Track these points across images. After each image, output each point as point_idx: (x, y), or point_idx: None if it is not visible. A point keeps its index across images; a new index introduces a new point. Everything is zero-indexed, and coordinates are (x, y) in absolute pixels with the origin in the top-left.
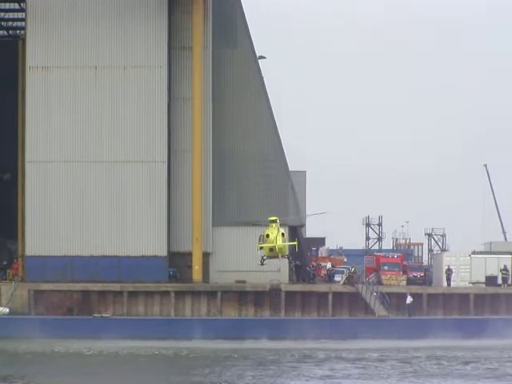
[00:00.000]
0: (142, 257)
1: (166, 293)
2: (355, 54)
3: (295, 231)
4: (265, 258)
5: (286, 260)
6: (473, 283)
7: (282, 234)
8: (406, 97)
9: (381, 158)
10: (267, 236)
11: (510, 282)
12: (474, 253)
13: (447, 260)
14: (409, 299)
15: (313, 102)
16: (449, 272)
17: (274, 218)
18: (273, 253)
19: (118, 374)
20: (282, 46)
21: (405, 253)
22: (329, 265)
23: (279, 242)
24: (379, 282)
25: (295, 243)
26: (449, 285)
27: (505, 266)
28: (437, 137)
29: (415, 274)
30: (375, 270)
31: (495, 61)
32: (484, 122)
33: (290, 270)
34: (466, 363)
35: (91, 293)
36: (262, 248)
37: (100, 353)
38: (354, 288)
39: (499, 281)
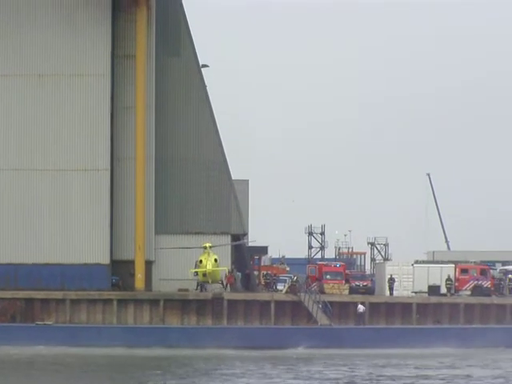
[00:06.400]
0: (85, 265)
1: (109, 301)
2: (301, 63)
3: (238, 240)
4: (199, 282)
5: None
6: (415, 292)
7: (215, 260)
8: (352, 110)
9: (326, 166)
10: (200, 262)
11: (452, 291)
12: (416, 262)
13: (390, 269)
14: (361, 308)
15: (255, 108)
16: (391, 281)
17: (207, 244)
18: (206, 278)
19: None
20: (225, 53)
21: (347, 262)
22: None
23: (209, 267)
24: (322, 291)
25: (226, 268)
26: (391, 294)
27: (448, 275)
28: (379, 145)
29: (358, 283)
30: (318, 279)
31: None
32: (428, 130)
33: (233, 278)
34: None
35: (34, 300)
36: (196, 273)
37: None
38: (297, 297)
39: (443, 290)
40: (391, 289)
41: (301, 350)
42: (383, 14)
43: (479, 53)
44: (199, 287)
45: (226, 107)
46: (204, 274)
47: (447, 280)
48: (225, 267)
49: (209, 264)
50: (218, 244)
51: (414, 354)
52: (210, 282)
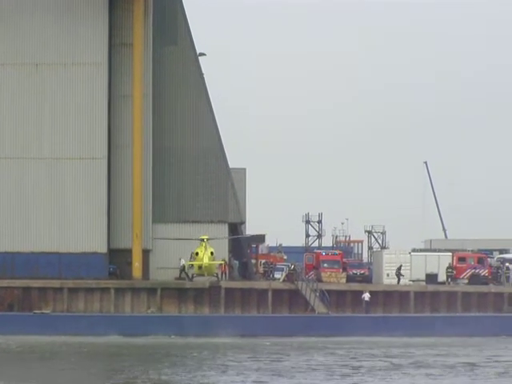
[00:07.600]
0: (83, 253)
1: (106, 289)
2: (295, 50)
3: (235, 228)
4: (194, 275)
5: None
6: (413, 281)
7: (211, 253)
8: (350, 98)
9: (323, 154)
10: (196, 254)
11: (450, 280)
12: (413, 250)
13: (387, 257)
14: (367, 296)
15: (253, 97)
16: (399, 270)
17: (204, 237)
18: (201, 271)
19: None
20: (221, 41)
21: (345, 250)
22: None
23: (205, 260)
24: (319, 280)
25: (222, 262)
26: (398, 282)
27: (449, 263)
28: (376, 133)
29: (355, 272)
30: (315, 268)
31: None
32: (425, 119)
33: (230, 267)
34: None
35: (32, 289)
36: (192, 265)
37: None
38: (294, 285)
39: (440, 278)
40: (399, 277)
41: (298, 339)
42: (383, 12)
43: (479, 47)
44: (191, 277)
45: (223, 96)
46: (199, 267)
47: (448, 268)
48: (221, 261)
49: (205, 258)
50: (215, 235)
51: (414, 343)
52: (205, 275)
